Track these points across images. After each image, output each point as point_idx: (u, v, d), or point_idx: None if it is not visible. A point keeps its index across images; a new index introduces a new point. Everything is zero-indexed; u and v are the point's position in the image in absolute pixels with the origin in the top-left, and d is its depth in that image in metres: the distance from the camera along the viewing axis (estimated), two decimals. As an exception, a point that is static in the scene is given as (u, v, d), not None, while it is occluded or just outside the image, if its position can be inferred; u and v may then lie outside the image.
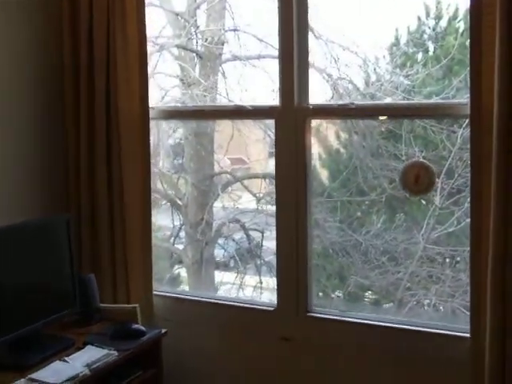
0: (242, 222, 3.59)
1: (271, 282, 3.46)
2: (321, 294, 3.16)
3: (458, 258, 3.00)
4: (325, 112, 2.82)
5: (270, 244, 3.47)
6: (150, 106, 2.89)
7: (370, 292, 3.19)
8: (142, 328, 2.78)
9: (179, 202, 3.63)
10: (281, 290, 2.85)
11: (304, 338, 2.80)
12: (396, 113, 2.72)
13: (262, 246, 3.60)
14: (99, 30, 2.84)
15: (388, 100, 2.91)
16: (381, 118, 2.88)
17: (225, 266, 3.70)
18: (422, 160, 2.76)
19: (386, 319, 2.76)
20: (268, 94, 3.03)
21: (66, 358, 2.48)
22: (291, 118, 2.73)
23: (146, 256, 2.95)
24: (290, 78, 2.70)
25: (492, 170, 2.20)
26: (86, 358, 2.47)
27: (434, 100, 2.77)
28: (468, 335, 2.39)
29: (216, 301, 3.10)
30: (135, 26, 2.82)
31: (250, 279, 3.57)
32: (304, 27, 2.73)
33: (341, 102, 2.74)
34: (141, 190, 2.91)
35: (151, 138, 3.00)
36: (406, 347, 2.59)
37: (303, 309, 2.82)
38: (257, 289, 3.52)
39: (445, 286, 2.96)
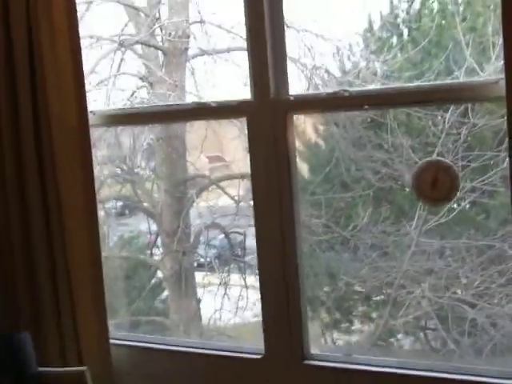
0: (223, 226, 3.42)
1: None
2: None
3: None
4: (310, 104, 2.18)
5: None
6: (91, 110, 2.38)
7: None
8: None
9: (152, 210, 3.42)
10: (268, 332, 2.20)
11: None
12: (403, 100, 2.10)
13: (245, 248, 3.44)
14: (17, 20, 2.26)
15: (390, 84, 2.60)
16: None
17: (208, 270, 3.52)
18: (439, 158, 2.20)
19: (407, 364, 2.11)
20: (241, 90, 2.86)
21: None
22: (267, 113, 2.11)
23: (98, 300, 2.32)
24: (264, 65, 2.11)
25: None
26: None
27: (455, 80, 2.45)
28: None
29: (191, 349, 2.44)
30: (64, 16, 2.24)
31: (235, 282, 3.41)
32: (277, 5, 2.16)
33: (329, 91, 2.10)
34: (85, 214, 2.34)
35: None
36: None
37: (298, 355, 2.16)
38: (243, 288, 3.35)
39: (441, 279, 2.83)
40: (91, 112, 2.37)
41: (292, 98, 2.14)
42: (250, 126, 2.17)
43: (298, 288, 2.17)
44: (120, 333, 2.63)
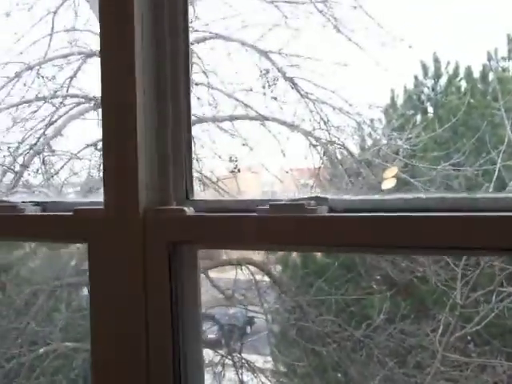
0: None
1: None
2: None
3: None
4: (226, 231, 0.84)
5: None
6: None
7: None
8: None
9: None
10: None
11: None
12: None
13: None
14: None
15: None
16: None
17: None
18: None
19: None
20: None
21: None
22: (133, 240, 0.87)
23: None
24: (130, 147, 0.85)
25: None
26: None
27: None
28: None
29: None
30: None
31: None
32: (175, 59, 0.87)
33: (280, 199, 0.79)
34: None
35: None
36: None
37: None
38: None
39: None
40: None
41: (188, 213, 0.83)
42: (94, 259, 0.89)
43: None
44: None
